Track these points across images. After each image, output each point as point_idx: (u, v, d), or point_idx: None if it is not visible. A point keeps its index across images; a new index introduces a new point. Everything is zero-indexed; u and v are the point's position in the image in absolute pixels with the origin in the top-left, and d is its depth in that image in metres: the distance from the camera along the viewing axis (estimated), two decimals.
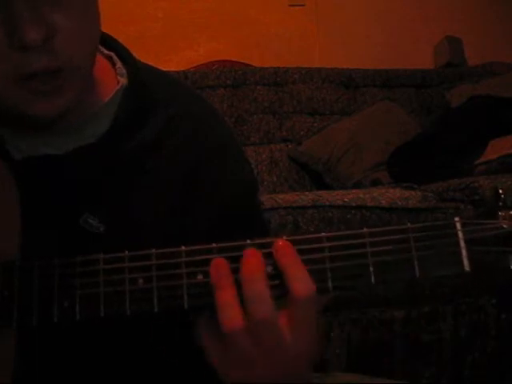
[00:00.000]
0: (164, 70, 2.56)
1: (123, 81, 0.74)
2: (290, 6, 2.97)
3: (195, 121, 0.77)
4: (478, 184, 1.68)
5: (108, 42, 0.77)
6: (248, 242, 0.55)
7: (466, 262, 0.52)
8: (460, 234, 0.53)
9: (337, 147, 2.46)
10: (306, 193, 1.81)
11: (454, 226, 0.53)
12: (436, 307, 1.58)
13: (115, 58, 0.76)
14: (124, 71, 0.75)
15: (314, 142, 2.54)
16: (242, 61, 2.84)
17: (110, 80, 0.73)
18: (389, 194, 1.71)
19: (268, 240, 0.55)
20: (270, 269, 0.54)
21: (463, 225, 0.53)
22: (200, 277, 0.54)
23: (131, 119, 0.71)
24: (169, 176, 0.73)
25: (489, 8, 3.16)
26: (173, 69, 2.63)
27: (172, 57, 2.78)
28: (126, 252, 0.55)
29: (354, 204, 1.62)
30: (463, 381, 1.56)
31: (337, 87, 2.74)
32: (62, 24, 0.60)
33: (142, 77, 0.75)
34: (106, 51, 0.77)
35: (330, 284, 0.54)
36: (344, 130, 2.51)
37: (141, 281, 0.54)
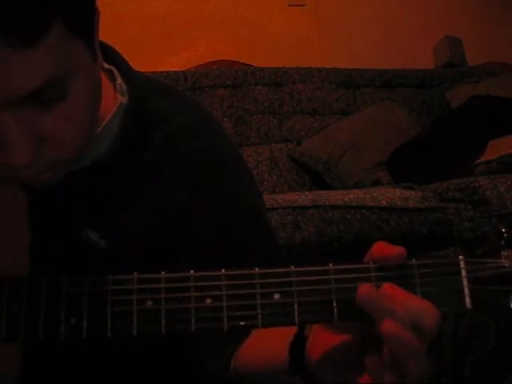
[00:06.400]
0: (164, 70, 2.55)
1: (122, 99, 0.72)
2: (289, 5, 2.97)
3: (194, 136, 0.76)
4: (478, 184, 1.67)
5: (109, 54, 0.75)
6: (256, 270, 0.55)
7: (467, 300, 0.54)
8: (463, 273, 0.55)
9: (337, 147, 2.45)
10: (306, 193, 1.81)
11: (458, 264, 0.55)
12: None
13: (116, 73, 0.74)
14: (124, 88, 0.73)
15: (313, 141, 2.54)
16: (241, 61, 2.84)
17: (109, 97, 0.72)
18: (389, 194, 1.71)
19: (274, 270, 0.56)
20: (277, 296, 0.54)
21: (467, 263, 0.55)
22: (208, 301, 0.55)
23: (131, 139, 0.71)
24: (169, 193, 0.73)
25: (489, 8, 3.16)
26: (173, 69, 2.63)
27: (172, 57, 2.78)
28: (135, 274, 0.56)
29: (354, 204, 1.62)
30: (463, 381, 1.55)
31: (337, 87, 2.74)
32: (51, 133, 0.57)
33: (141, 93, 0.74)
34: (106, 65, 0.75)
35: None
36: (344, 130, 2.51)
37: (149, 302, 0.55)
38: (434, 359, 1.56)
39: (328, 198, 1.64)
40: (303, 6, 2.98)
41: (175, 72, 2.59)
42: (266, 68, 2.72)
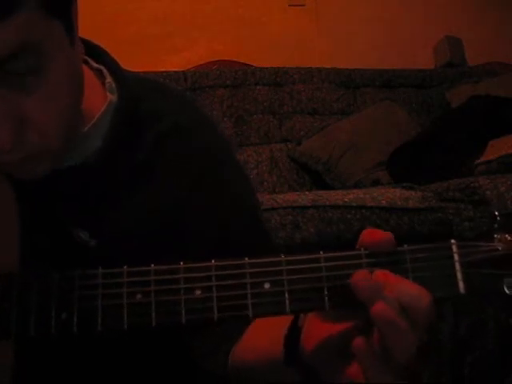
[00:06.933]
0: (164, 70, 2.57)
1: (112, 97, 0.72)
2: (289, 5, 2.97)
3: (187, 135, 0.76)
4: (478, 184, 1.67)
5: (97, 54, 0.75)
6: (246, 259, 0.55)
7: (461, 285, 0.53)
8: (456, 257, 0.53)
9: (337, 147, 2.46)
10: (306, 193, 1.81)
11: (450, 248, 0.54)
12: (436, 307, 1.58)
13: (105, 71, 0.74)
14: (114, 86, 0.73)
15: (313, 141, 2.54)
16: (241, 61, 2.84)
17: (98, 96, 0.72)
18: (389, 194, 1.71)
19: (264, 260, 0.55)
20: (267, 286, 0.54)
21: (459, 247, 0.53)
22: (198, 292, 0.54)
23: (122, 138, 0.71)
24: (163, 191, 0.73)
25: (489, 8, 3.16)
26: (173, 69, 2.63)
27: (172, 57, 2.78)
28: (125, 267, 0.55)
29: (354, 204, 1.62)
30: (463, 381, 1.56)
31: (337, 87, 2.74)
32: (32, 115, 0.57)
33: (132, 92, 0.73)
34: (95, 64, 0.74)
35: None
36: (344, 130, 2.51)
37: (139, 295, 0.54)
38: (432, 357, 1.56)
39: (328, 197, 1.64)
40: (303, 6, 2.98)
41: (175, 72, 2.59)
42: (266, 68, 2.72)
